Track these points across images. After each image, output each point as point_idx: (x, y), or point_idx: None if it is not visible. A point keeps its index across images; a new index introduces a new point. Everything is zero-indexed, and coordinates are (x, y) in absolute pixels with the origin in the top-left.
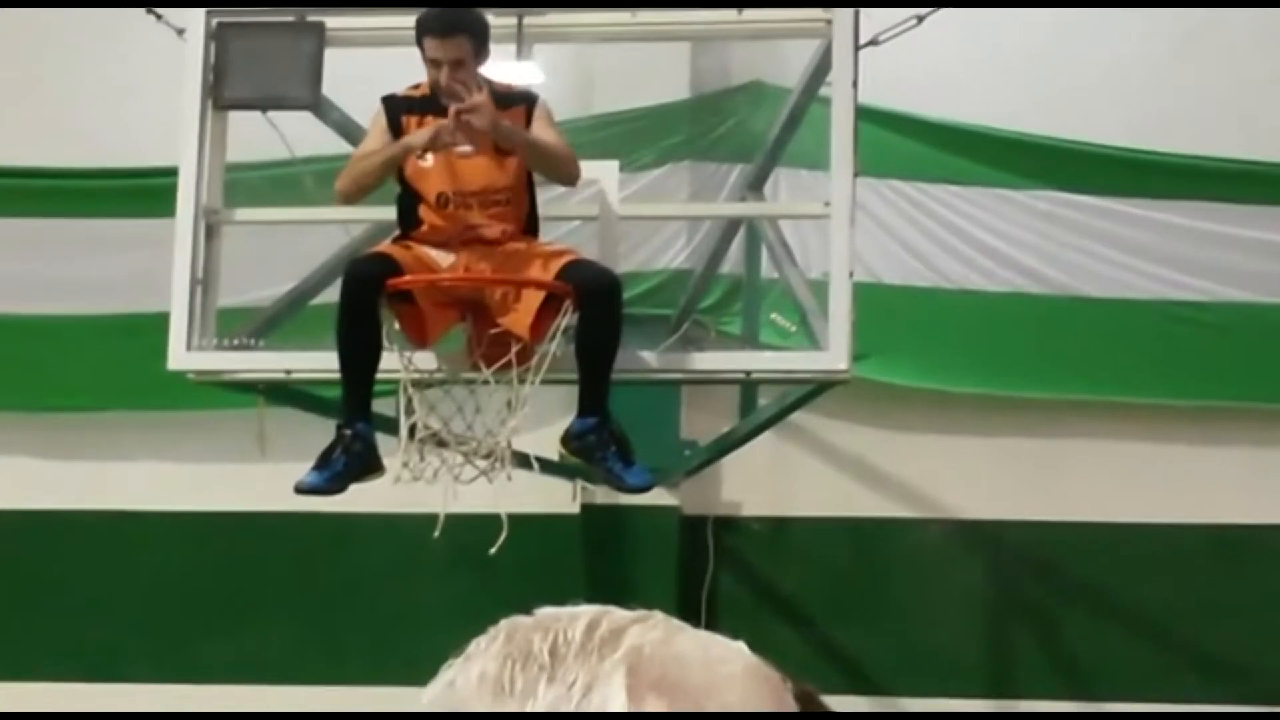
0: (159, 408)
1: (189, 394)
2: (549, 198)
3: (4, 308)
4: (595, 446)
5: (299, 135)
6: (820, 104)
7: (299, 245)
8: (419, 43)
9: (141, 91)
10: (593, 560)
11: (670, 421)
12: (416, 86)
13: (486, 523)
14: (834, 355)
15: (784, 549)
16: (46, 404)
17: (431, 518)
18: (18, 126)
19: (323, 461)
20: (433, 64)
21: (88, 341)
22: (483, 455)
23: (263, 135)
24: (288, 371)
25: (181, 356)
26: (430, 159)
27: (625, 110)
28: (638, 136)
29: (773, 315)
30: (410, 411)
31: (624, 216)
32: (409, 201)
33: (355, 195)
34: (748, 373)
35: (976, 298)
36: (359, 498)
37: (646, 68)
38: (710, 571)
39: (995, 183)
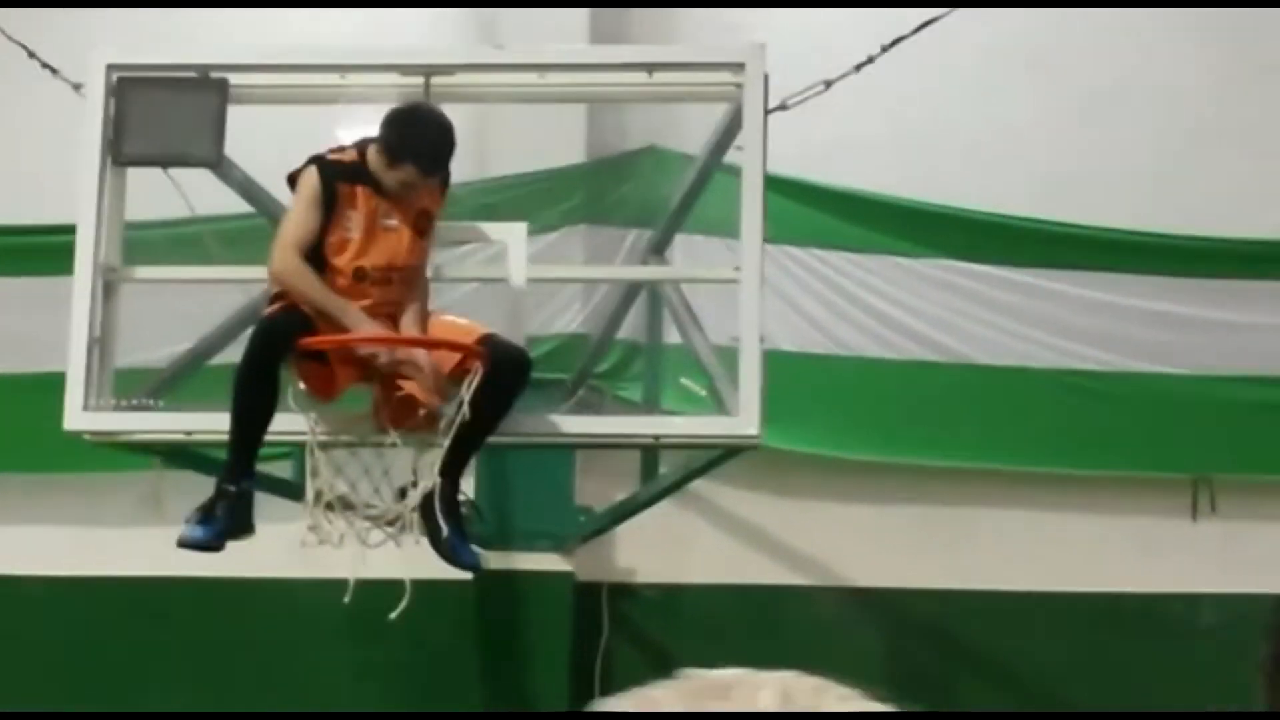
0: (44, 470)
1: (75, 456)
2: (451, 257)
3: None
4: (438, 511)
5: (195, 193)
6: (719, 170)
7: (191, 305)
8: (392, 155)
9: (33, 146)
10: (486, 627)
11: (564, 487)
12: (341, 150)
13: (377, 588)
14: (744, 420)
15: (679, 616)
16: None
17: (325, 583)
18: None
19: (205, 516)
20: (400, 183)
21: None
22: (389, 520)
23: (161, 193)
24: (188, 433)
25: (78, 416)
26: (355, 232)
27: (522, 173)
28: (534, 199)
29: (683, 380)
30: (316, 474)
31: (532, 279)
32: (316, 267)
33: (287, 292)
34: (656, 437)
35: (873, 365)
36: (252, 562)
37: (543, 130)
38: (604, 639)
39: (893, 250)
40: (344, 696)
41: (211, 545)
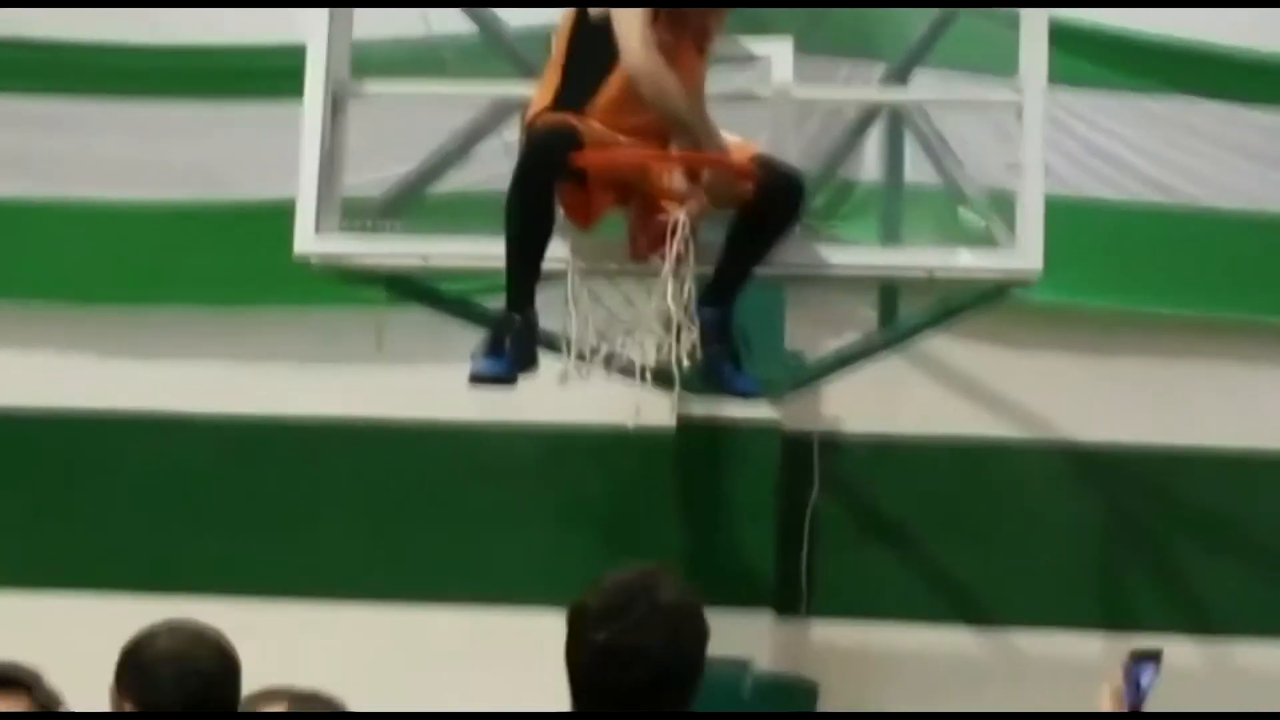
0: (234, 302)
1: (293, 289)
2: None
3: (96, 192)
4: (713, 339)
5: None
6: None
7: (405, 128)
8: None
9: None
10: (687, 478)
11: (774, 332)
12: None
13: (573, 434)
14: (1025, 253)
15: (890, 469)
16: (136, 297)
17: (513, 427)
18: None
19: (493, 348)
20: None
21: (186, 230)
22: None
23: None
24: (424, 257)
25: (309, 240)
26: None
27: None
28: (740, 23)
29: (961, 209)
30: (577, 305)
31: (799, 99)
32: (601, 66)
33: (647, 100)
34: (929, 270)
35: (1099, 207)
36: (434, 404)
37: None
38: (814, 492)
39: (1120, 87)
40: (538, 546)
41: (504, 379)
